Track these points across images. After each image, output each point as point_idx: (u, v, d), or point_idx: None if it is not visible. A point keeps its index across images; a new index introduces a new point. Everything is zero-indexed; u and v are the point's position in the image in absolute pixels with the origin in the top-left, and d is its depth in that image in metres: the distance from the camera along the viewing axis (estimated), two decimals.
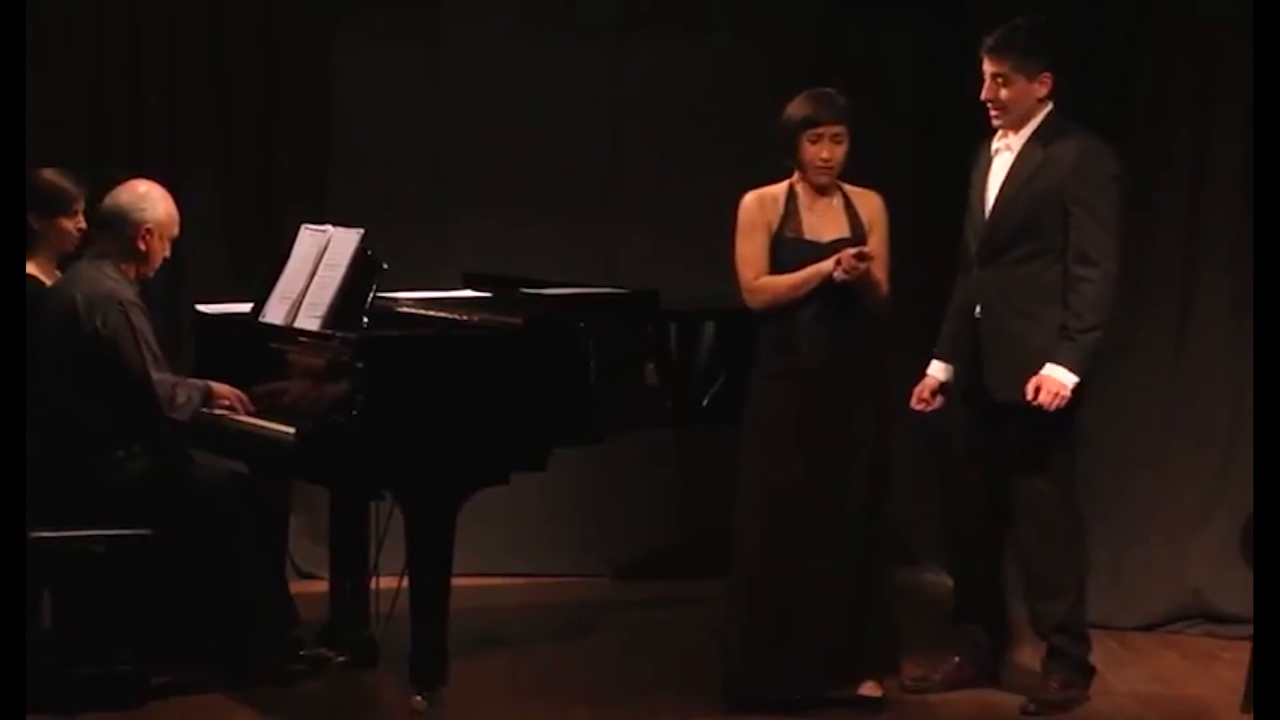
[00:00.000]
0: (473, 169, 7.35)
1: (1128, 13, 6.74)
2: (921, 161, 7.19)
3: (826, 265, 5.46)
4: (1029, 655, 6.00)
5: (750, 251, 5.58)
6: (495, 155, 7.33)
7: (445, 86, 7.36)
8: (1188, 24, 6.66)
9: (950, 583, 6.19)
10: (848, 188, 5.62)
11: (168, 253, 5.86)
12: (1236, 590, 6.38)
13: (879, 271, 5.54)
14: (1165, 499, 6.70)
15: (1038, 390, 5.47)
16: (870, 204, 5.62)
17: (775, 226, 5.56)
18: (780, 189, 5.60)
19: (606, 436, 5.79)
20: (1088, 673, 5.78)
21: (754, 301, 5.60)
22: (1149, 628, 6.60)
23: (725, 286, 6.46)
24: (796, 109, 5.53)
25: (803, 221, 5.56)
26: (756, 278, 5.57)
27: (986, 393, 5.63)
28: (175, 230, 5.86)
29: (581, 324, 5.74)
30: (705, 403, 5.94)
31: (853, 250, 5.44)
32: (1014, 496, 5.68)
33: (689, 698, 5.80)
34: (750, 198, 5.61)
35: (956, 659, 5.88)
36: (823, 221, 5.57)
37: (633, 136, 7.36)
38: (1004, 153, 5.66)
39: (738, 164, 7.14)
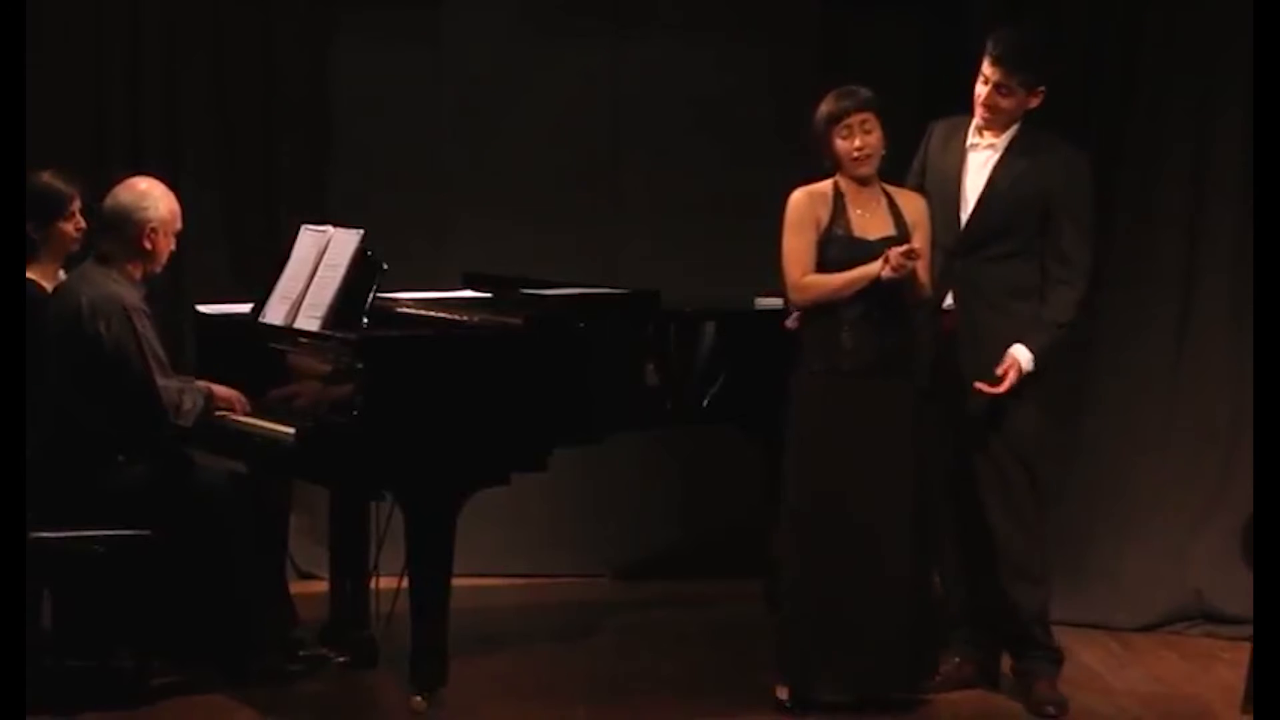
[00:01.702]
0: (473, 169, 7.34)
1: (1128, 14, 6.74)
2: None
3: (874, 268, 5.44)
4: None
5: (799, 248, 5.56)
6: (495, 155, 7.32)
7: (445, 86, 7.35)
8: (1188, 25, 6.66)
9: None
10: (890, 188, 5.62)
11: (173, 246, 5.86)
12: (1237, 591, 6.38)
13: (923, 272, 5.54)
14: (1165, 499, 6.70)
15: (1005, 374, 5.58)
16: (914, 204, 5.63)
17: (824, 224, 5.55)
18: (827, 186, 5.59)
19: (606, 437, 5.79)
20: (1061, 664, 5.82)
21: (799, 298, 5.59)
22: (1149, 628, 6.60)
23: (725, 286, 6.48)
24: (822, 108, 5.54)
25: (851, 220, 5.56)
26: (804, 275, 5.54)
27: (960, 383, 5.65)
28: (179, 225, 5.84)
29: (581, 324, 5.74)
30: (705, 403, 5.94)
31: (901, 248, 5.44)
32: (982, 483, 5.71)
33: (689, 698, 5.81)
34: (800, 194, 5.59)
35: (956, 659, 5.88)
36: (869, 220, 5.56)
37: (633, 136, 7.36)
38: (983, 150, 5.70)
39: (738, 163, 7.18)
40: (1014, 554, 5.72)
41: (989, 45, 5.63)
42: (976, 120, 5.69)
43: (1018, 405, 5.63)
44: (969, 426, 5.69)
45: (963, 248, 5.69)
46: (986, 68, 5.63)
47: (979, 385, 5.58)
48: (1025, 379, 5.60)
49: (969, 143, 5.73)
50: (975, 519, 5.76)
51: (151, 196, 5.79)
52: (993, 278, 5.66)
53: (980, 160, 5.71)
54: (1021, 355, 5.60)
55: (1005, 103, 5.63)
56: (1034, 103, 5.66)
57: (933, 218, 5.67)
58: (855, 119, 5.50)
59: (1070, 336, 5.75)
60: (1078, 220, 5.66)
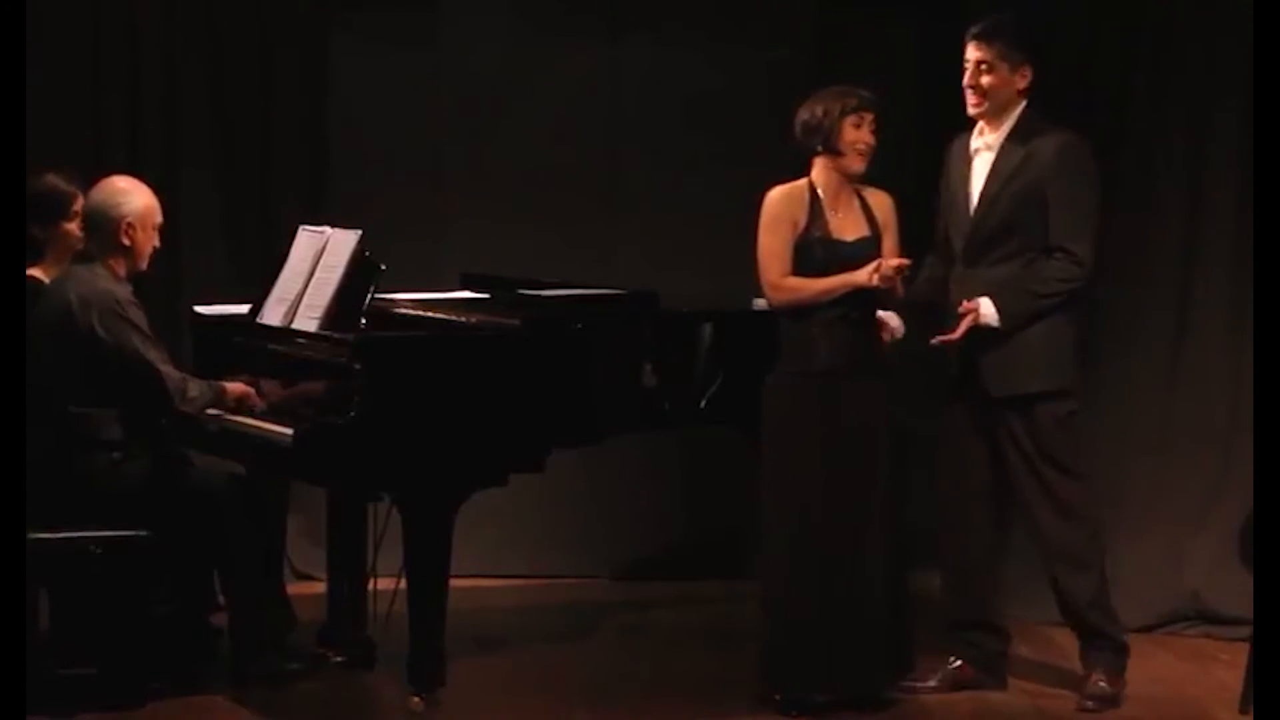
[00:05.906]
0: (471, 169, 7.35)
1: (1127, 13, 6.74)
2: (918, 162, 7.18)
3: (859, 276, 5.46)
4: (1028, 653, 6.00)
5: (776, 246, 5.55)
6: (493, 155, 7.33)
7: (444, 87, 7.36)
8: (1187, 24, 6.66)
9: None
10: (861, 188, 5.62)
11: (157, 242, 5.84)
12: (1234, 592, 6.37)
13: None
14: (1164, 499, 6.69)
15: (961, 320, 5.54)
16: (883, 203, 5.64)
17: (802, 225, 5.55)
18: (803, 187, 5.59)
19: (604, 438, 5.79)
20: (1125, 654, 5.76)
21: (776, 298, 5.59)
22: (1147, 629, 6.58)
23: (722, 287, 6.48)
24: (837, 98, 5.52)
25: (828, 221, 5.56)
26: (783, 275, 5.55)
27: (984, 389, 5.64)
28: (158, 218, 5.81)
29: (579, 325, 5.74)
30: (703, 404, 5.94)
31: (894, 262, 5.44)
32: (1022, 486, 5.68)
33: (688, 698, 5.81)
34: (776, 193, 5.59)
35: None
36: (845, 221, 5.57)
37: (630, 137, 7.36)
38: (984, 152, 5.69)
39: (735, 164, 7.18)
40: (1057, 544, 5.68)
41: (967, 33, 5.63)
42: (971, 114, 5.66)
43: (1030, 403, 5.59)
44: (993, 431, 5.67)
45: (968, 254, 5.66)
46: (967, 53, 5.62)
47: (939, 339, 5.56)
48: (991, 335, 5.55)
49: (972, 147, 5.72)
50: (992, 518, 5.76)
51: (126, 192, 5.76)
52: (987, 282, 5.60)
53: (983, 162, 5.69)
54: (985, 306, 5.53)
55: (987, 79, 5.59)
56: (1020, 83, 5.62)
57: (950, 231, 5.66)
58: (868, 116, 5.52)
59: (1047, 310, 5.58)
60: (1073, 208, 5.57)
